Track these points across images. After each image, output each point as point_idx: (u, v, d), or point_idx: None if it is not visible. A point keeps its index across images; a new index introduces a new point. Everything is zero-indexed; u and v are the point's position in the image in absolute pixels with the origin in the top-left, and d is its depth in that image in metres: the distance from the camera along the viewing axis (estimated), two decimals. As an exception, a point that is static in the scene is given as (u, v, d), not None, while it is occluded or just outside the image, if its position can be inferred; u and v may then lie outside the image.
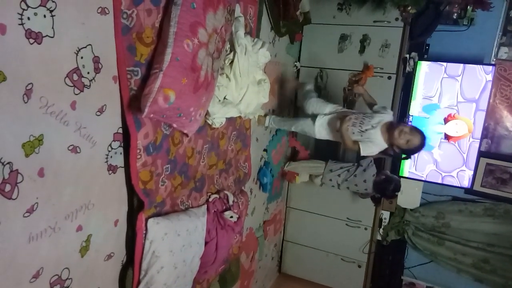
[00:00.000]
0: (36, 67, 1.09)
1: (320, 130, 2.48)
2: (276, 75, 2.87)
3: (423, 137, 2.28)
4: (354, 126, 2.33)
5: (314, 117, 2.51)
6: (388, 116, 2.37)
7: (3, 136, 1.03)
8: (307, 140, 3.43)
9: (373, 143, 2.33)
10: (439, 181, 3.15)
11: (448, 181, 3.12)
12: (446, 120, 3.03)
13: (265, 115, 2.72)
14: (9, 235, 1.10)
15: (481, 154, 3.10)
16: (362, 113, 2.39)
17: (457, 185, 3.11)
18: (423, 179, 3.20)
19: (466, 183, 3.08)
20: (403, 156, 2.57)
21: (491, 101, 3.04)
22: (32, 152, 1.12)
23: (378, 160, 2.98)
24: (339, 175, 2.94)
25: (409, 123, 3.01)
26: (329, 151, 3.26)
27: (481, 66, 2.92)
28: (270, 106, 2.84)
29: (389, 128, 2.30)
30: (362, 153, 2.34)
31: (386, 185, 2.79)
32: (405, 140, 2.24)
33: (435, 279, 3.51)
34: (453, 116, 3.00)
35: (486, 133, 3.16)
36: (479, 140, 2.97)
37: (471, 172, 3.04)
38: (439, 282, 3.49)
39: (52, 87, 1.15)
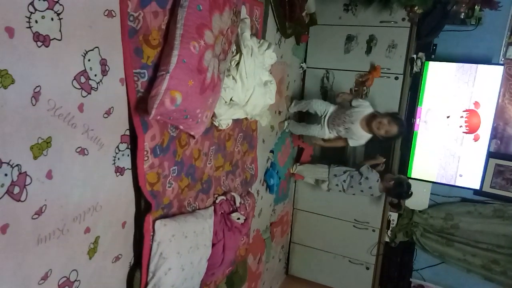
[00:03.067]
0: (44, 70, 1.10)
1: (327, 133, 2.79)
2: (282, 75, 2.87)
3: (401, 126, 2.54)
4: (338, 126, 2.67)
5: (319, 121, 2.81)
6: (365, 110, 2.61)
7: (11, 138, 1.04)
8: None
9: (357, 137, 2.64)
10: (448, 182, 3.12)
11: (457, 182, 3.09)
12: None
13: (285, 120, 3.02)
14: (18, 237, 1.10)
15: (490, 155, 3.07)
16: (344, 112, 2.66)
17: (466, 186, 3.08)
18: (431, 180, 3.17)
19: (475, 184, 3.04)
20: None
21: (500, 101, 3.00)
22: (41, 154, 1.13)
23: (385, 163, 2.97)
24: (344, 181, 2.94)
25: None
26: (334, 153, 3.25)
27: (489, 66, 2.90)
28: (276, 107, 2.84)
29: (368, 121, 2.58)
30: (351, 145, 2.73)
31: (400, 189, 2.80)
32: (384, 131, 2.52)
33: (444, 281, 3.47)
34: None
35: (495, 133, 3.13)
36: (488, 141, 2.94)
37: (481, 173, 3.00)
38: (448, 284, 3.45)
39: (60, 89, 1.16)
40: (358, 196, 3.11)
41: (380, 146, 2.85)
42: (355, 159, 3.28)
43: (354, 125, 2.59)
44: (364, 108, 2.60)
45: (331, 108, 2.76)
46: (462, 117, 2.86)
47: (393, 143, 3.00)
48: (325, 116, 2.76)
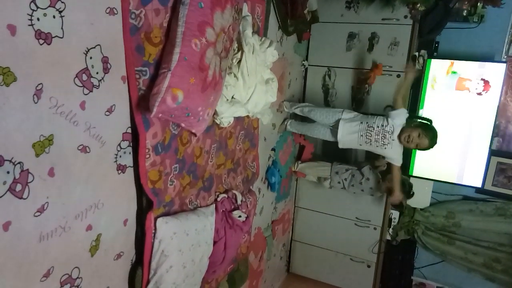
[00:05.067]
0: (46, 67, 1.10)
1: (344, 141, 2.60)
2: (283, 71, 2.86)
3: (432, 138, 2.38)
4: (376, 141, 2.47)
5: (332, 125, 2.65)
6: (402, 121, 2.45)
7: (13, 136, 1.04)
8: (315, 140, 3.42)
9: (398, 153, 2.49)
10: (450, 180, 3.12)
11: (459, 180, 3.08)
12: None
13: (284, 120, 2.95)
14: (20, 234, 1.11)
15: (492, 153, 3.06)
16: (380, 126, 2.46)
17: (468, 184, 3.08)
18: (433, 178, 3.17)
19: (477, 183, 3.04)
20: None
21: (502, 98, 2.99)
22: (43, 152, 1.13)
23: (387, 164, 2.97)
24: (345, 179, 2.94)
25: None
26: (337, 151, 3.25)
27: (492, 63, 2.89)
28: (277, 105, 2.83)
29: (399, 135, 2.43)
30: (399, 165, 2.52)
31: (402, 189, 2.79)
32: (415, 144, 2.39)
33: (445, 280, 3.47)
34: None
35: (497, 131, 3.12)
36: (489, 139, 2.94)
37: (482, 171, 3.00)
38: (449, 283, 3.46)
39: (62, 87, 1.16)
40: (360, 194, 3.11)
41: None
42: (357, 158, 3.28)
43: (395, 141, 2.42)
44: (403, 119, 2.43)
45: (343, 114, 2.58)
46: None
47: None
48: (338, 122, 2.58)
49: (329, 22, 3.11)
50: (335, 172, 3.00)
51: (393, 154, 2.49)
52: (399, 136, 2.42)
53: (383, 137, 2.44)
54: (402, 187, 2.76)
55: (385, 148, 2.47)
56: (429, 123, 2.44)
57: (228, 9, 1.58)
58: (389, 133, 2.43)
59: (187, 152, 1.77)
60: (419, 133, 2.36)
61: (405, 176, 3.00)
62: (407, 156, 3.15)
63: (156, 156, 1.55)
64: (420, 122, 2.48)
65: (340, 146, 2.62)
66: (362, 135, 2.51)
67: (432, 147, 2.43)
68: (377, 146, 2.49)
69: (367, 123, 2.50)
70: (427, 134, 2.37)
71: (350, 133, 2.55)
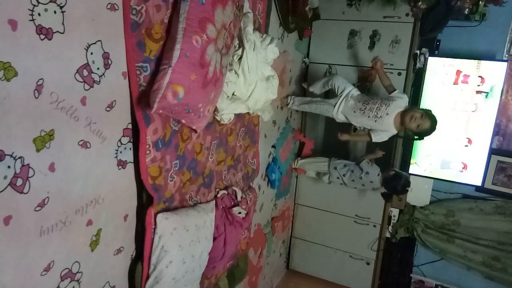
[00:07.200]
0: (47, 62, 1.10)
1: (339, 114, 2.66)
2: (284, 65, 2.85)
3: (433, 122, 2.47)
4: (370, 111, 2.53)
5: (332, 99, 2.71)
6: (403, 103, 2.53)
7: (14, 131, 1.05)
8: (315, 136, 3.43)
9: (384, 132, 2.54)
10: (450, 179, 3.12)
11: (459, 178, 3.08)
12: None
13: (287, 96, 2.94)
14: (21, 228, 1.11)
15: (492, 151, 3.06)
16: (380, 99, 2.55)
17: (468, 182, 3.08)
18: (433, 176, 3.17)
19: (477, 181, 3.04)
20: (415, 137, 2.72)
21: (503, 97, 2.99)
22: (43, 147, 1.13)
23: (387, 157, 2.97)
24: (344, 174, 2.94)
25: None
26: (336, 147, 3.25)
27: (493, 62, 2.88)
28: (278, 102, 2.83)
29: (402, 114, 2.49)
30: (373, 140, 2.59)
31: (397, 181, 2.79)
32: (416, 125, 2.45)
33: (444, 277, 3.48)
34: None
35: (498, 130, 3.12)
36: (490, 137, 2.94)
37: (483, 170, 3.00)
38: (448, 280, 3.47)
39: (63, 82, 1.16)
40: (360, 191, 3.11)
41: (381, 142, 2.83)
42: (356, 154, 3.28)
43: (389, 116, 2.48)
44: (403, 102, 2.52)
45: (352, 89, 2.64)
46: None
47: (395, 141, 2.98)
48: (341, 95, 2.63)
49: (330, 20, 3.11)
50: (333, 168, 3.00)
51: (381, 128, 2.54)
52: (403, 117, 2.47)
53: (378, 109, 2.51)
54: (399, 179, 2.79)
55: (376, 121, 2.52)
56: (430, 110, 2.53)
57: (229, 6, 1.59)
58: (386, 105, 2.50)
59: (187, 149, 1.78)
60: (422, 114, 2.45)
61: (405, 173, 2.99)
62: (407, 154, 3.17)
63: (156, 152, 1.55)
64: (424, 108, 2.58)
65: (334, 113, 2.65)
66: (359, 101, 2.58)
67: (432, 131, 2.49)
68: (369, 117, 2.53)
69: (369, 96, 2.63)
70: (429, 117, 2.46)
71: (350, 100, 2.61)
